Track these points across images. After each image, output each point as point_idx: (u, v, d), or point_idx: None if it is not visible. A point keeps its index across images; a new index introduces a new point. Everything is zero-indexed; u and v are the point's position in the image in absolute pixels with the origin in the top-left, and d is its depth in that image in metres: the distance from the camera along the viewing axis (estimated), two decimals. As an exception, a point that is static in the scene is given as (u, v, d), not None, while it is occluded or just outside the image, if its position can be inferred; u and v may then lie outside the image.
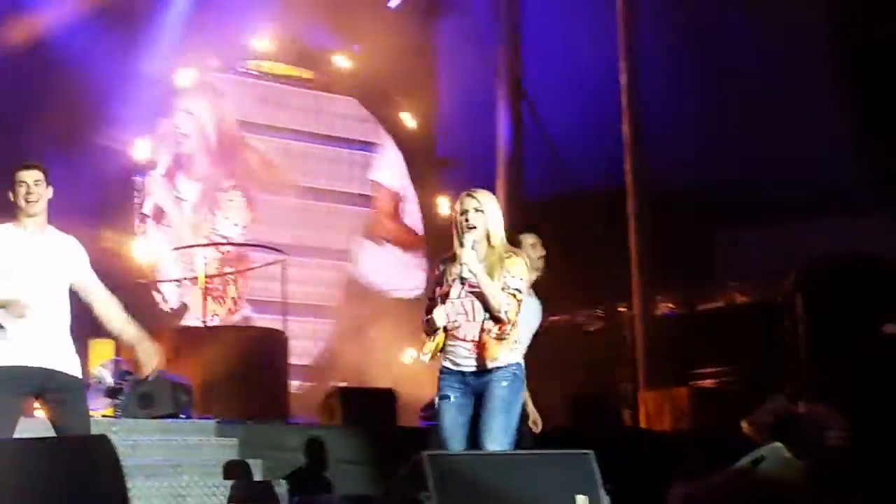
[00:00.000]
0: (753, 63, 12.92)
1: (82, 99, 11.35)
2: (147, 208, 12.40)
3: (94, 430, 7.16)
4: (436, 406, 5.30)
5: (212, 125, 13.13)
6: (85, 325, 10.04)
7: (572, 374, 12.06)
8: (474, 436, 5.17)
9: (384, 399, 9.51)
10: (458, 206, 5.34)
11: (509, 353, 5.26)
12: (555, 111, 13.51)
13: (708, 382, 13.16)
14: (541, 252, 6.20)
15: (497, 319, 5.18)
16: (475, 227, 5.26)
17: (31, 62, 11.01)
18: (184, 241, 12.43)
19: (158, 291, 12.31)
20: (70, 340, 5.27)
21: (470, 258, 5.18)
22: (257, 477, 7.30)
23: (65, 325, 5.27)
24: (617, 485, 4.94)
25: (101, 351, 10.14)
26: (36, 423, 6.10)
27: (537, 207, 13.04)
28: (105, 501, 3.89)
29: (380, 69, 13.85)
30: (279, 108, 13.79)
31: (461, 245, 5.23)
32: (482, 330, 5.21)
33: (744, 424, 7.46)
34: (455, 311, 5.23)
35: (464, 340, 5.22)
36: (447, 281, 5.27)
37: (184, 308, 12.30)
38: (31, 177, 5.20)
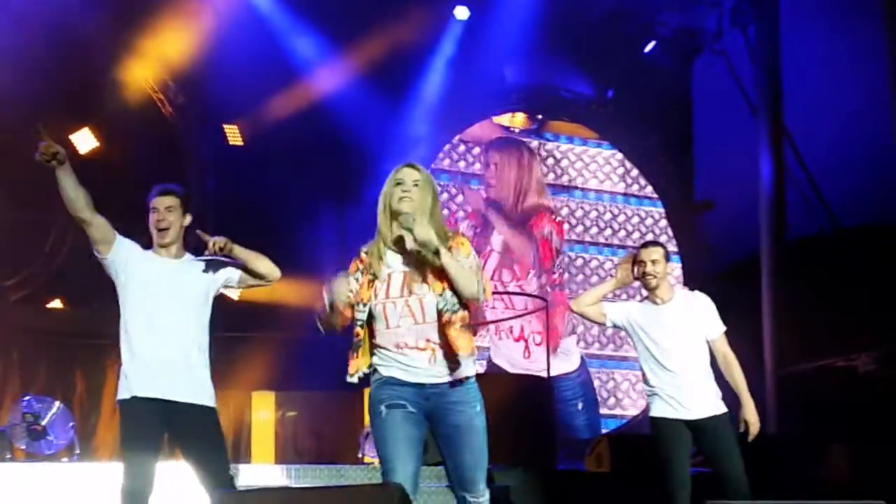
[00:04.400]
0: None
1: (352, 158, 11.98)
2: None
3: (374, 479, 7.51)
4: (380, 415, 4.29)
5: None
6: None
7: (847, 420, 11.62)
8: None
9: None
10: (391, 177, 4.38)
11: (473, 360, 4.38)
12: (816, 147, 13.15)
13: None
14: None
15: (466, 305, 4.30)
16: (411, 200, 4.30)
17: (305, 126, 11.71)
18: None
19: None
20: (201, 368, 5.02)
21: (429, 234, 4.20)
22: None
23: (193, 351, 5.01)
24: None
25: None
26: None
27: (801, 247, 12.71)
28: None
29: (634, 113, 13.93)
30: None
31: (407, 222, 4.24)
32: (443, 325, 4.25)
33: None
34: (398, 313, 4.28)
35: (416, 348, 4.27)
36: (377, 275, 4.32)
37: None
38: (162, 203, 5.05)
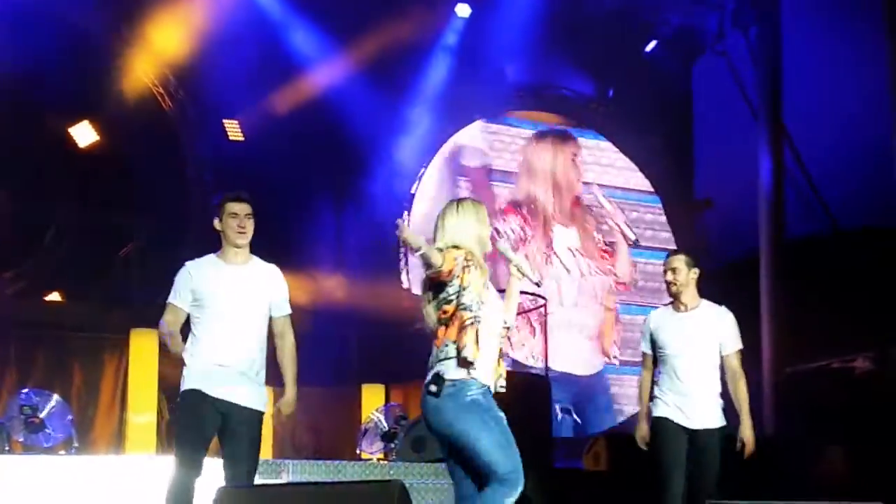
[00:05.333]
0: None
1: (351, 154, 11.99)
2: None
3: (372, 475, 7.51)
4: (503, 418, 4.51)
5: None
6: (357, 371, 10.53)
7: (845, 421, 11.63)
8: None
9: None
10: (484, 216, 4.61)
11: None
12: (815, 148, 13.16)
13: None
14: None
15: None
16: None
17: (305, 122, 11.72)
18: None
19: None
20: (259, 371, 5.16)
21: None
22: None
23: (253, 353, 5.13)
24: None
25: (372, 396, 10.54)
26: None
27: (799, 248, 12.72)
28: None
29: (635, 113, 13.93)
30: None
31: (506, 251, 4.75)
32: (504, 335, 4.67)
33: None
34: (502, 311, 4.64)
35: (500, 357, 4.60)
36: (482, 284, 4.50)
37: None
38: (244, 210, 5.14)
